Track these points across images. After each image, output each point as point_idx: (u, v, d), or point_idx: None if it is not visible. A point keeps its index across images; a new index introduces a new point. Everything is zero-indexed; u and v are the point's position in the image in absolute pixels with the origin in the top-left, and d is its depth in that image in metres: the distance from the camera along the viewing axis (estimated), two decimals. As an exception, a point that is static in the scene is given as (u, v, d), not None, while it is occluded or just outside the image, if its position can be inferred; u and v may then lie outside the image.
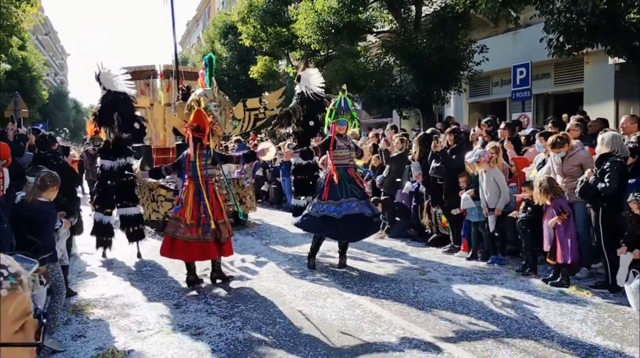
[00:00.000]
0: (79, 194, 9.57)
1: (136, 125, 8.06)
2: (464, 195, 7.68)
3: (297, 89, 8.94)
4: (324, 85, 8.91)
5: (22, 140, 7.23)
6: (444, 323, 5.17)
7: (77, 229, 6.96)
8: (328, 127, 7.43)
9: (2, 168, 5.19)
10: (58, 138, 11.27)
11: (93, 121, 8.11)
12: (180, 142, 11.27)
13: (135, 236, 8.16)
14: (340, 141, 7.18)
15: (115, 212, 8.21)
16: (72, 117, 60.26)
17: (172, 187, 10.07)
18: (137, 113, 8.33)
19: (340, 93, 7.37)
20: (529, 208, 6.78)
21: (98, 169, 8.12)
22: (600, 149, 6.14)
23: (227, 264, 7.73)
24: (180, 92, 12.42)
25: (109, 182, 7.91)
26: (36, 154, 6.97)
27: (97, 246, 8.10)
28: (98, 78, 7.74)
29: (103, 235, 7.99)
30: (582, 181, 6.09)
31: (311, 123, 8.83)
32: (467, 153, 7.83)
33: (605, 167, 5.93)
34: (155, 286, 6.76)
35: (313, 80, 8.80)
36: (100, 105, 7.86)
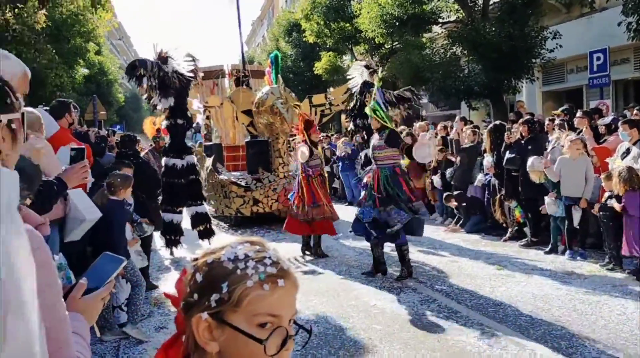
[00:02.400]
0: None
1: (188, 113, 8.02)
2: (548, 199, 7.34)
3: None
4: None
5: (102, 141, 7.55)
6: (525, 319, 5.00)
7: (157, 225, 7.20)
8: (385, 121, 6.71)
9: None
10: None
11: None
12: (249, 139, 11.50)
13: (205, 234, 8.20)
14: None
15: (185, 211, 8.20)
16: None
17: (243, 183, 10.29)
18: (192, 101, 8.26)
19: (376, 83, 6.91)
20: (609, 200, 6.43)
21: (162, 168, 8.05)
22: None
23: (298, 258, 7.81)
24: (234, 79, 12.42)
25: (177, 181, 7.85)
26: (118, 153, 7.25)
27: (167, 246, 8.11)
28: (164, 59, 7.36)
29: (172, 234, 8.01)
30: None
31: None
32: (529, 159, 7.47)
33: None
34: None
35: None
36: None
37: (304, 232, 8.02)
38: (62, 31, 17.08)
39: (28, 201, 2.48)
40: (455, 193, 9.40)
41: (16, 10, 15.39)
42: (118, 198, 5.10)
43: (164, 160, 8.00)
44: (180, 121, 7.70)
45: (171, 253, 8.14)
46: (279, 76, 11.28)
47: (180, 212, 8.03)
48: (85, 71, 22.42)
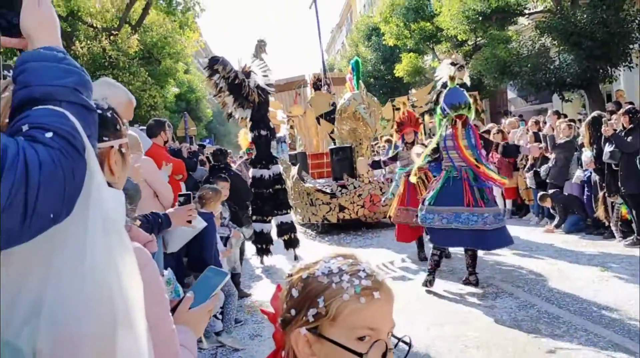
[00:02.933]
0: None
1: (270, 124, 8.22)
2: None
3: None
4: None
5: (194, 156, 7.89)
6: (634, 324, 4.63)
7: (248, 234, 7.41)
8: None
9: (179, 183, 5.68)
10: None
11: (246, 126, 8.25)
12: (333, 146, 11.57)
13: (290, 243, 8.33)
14: None
15: (273, 220, 8.38)
16: (234, 132, 65.02)
17: (328, 191, 10.35)
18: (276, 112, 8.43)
19: (449, 83, 6.35)
20: None
21: (250, 179, 8.31)
22: None
23: (387, 263, 7.72)
24: (313, 84, 12.53)
25: (265, 191, 8.08)
26: (210, 167, 7.55)
27: (258, 254, 8.35)
28: (247, 73, 7.55)
29: (263, 243, 8.25)
30: None
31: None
32: None
33: None
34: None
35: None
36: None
37: (416, 237, 7.73)
38: (154, 54, 18.09)
39: (138, 222, 2.64)
40: (550, 191, 8.94)
41: (111, 37, 16.48)
42: (207, 210, 5.28)
43: (251, 171, 8.26)
44: (263, 133, 7.95)
45: (261, 262, 8.36)
46: (360, 81, 11.29)
47: (270, 221, 8.24)
48: (176, 90, 23.56)
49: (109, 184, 1.22)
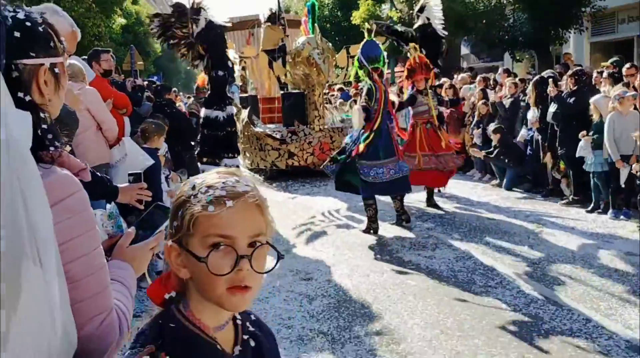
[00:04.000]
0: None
1: (229, 63, 7.89)
2: (582, 142, 7.10)
3: (418, 21, 8.21)
4: (443, 24, 8.17)
5: (140, 91, 7.58)
6: (563, 279, 4.89)
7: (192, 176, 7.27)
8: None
9: (123, 117, 5.47)
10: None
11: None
12: (284, 92, 11.38)
13: None
14: None
15: (223, 163, 8.21)
16: (184, 69, 63.04)
17: (278, 136, 10.25)
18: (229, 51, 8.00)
19: (366, 35, 6.70)
20: None
21: (201, 120, 7.99)
22: None
23: (332, 212, 7.80)
24: (268, 18, 11.93)
25: (219, 133, 7.79)
26: (154, 103, 7.27)
27: None
28: (197, 9, 7.29)
29: None
30: None
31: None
32: (595, 96, 7.16)
33: None
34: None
35: (437, 14, 8.00)
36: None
37: (416, 182, 7.53)
38: (99, -21, 17.04)
39: (68, 148, 2.46)
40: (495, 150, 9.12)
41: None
42: (151, 145, 5.14)
43: (203, 111, 7.91)
44: (220, 73, 7.56)
45: None
46: (316, 25, 11.02)
47: (219, 164, 8.04)
48: (123, 21, 22.45)
49: (39, 106, 1.13)
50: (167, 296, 1.07)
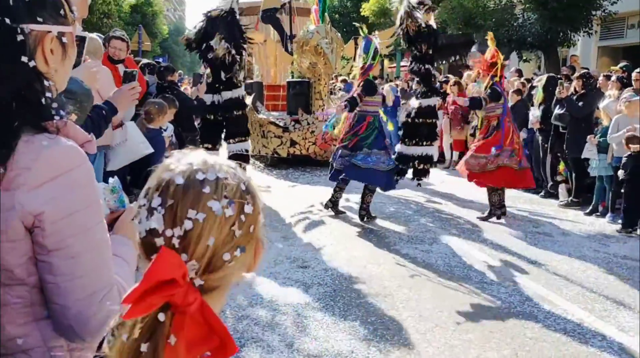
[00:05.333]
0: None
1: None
2: (588, 144, 7.10)
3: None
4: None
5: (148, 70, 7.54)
6: (559, 279, 4.91)
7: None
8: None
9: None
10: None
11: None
12: (291, 79, 11.34)
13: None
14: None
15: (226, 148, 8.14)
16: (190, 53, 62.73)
17: (281, 124, 10.23)
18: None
19: (361, 32, 6.96)
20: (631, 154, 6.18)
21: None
22: None
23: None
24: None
25: (212, 117, 7.65)
26: (157, 84, 7.24)
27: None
28: None
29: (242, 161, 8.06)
30: None
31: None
32: (601, 101, 7.16)
33: None
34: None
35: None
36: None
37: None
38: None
39: (74, 117, 2.45)
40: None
41: None
42: (155, 126, 5.15)
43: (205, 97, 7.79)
44: (234, 53, 7.45)
45: None
46: (326, 14, 10.99)
47: (245, 140, 7.93)
48: (131, 0, 22.33)
49: (43, 75, 1.10)
50: None
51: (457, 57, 7.60)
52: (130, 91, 3.09)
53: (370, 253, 5.61)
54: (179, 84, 10.64)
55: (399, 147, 7.87)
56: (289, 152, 10.27)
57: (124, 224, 1.42)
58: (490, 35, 7.09)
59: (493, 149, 6.74)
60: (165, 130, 5.72)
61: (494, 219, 6.90)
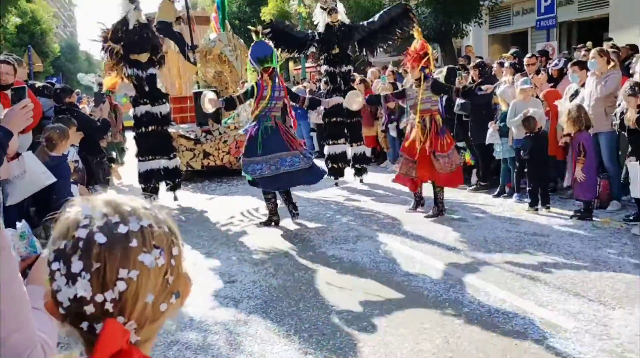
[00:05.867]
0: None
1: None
2: (490, 130, 7.48)
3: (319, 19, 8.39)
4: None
5: (39, 94, 7.10)
6: (477, 263, 5.13)
7: (99, 180, 6.92)
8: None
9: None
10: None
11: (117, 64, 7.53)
12: (197, 90, 11.10)
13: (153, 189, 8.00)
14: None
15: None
16: (85, 70, 60.12)
17: (192, 136, 10.00)
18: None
19: (254, 37, 6.67)
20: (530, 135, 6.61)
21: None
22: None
23: (252, 211, 7.72)
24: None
25: (151, 128, 7.66)
26: (55, 108, 6.85)
27: (171, 190, 8.15)
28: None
29: (174, 178, 8.09)
30: (621, 112, 5.79)
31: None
32: (501, 86, 7.55)
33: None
34: (184, 235, 6.78)
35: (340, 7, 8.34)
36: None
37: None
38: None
39: None
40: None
41: None
42: (58, 153, 4.86)
43: (133, 110, 7.65)
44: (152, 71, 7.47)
45: (175, 198, 8.21)
46: (226, 21, 10.86)
47: (174, 157, 8.09)
48: (17, 20, 21.02)
49: None
50: None
51: (401, 29, 7.94)
52: (22, 109, 2.84)
53: (296, 258, 5.59)
54: (78, 103, 10.16)
55: (326, 148, 8.02)
56: (202, 164, 10.06)
57: (39, 272, 1.32)
58: (417, 28, 7.17)
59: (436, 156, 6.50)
60: (67, 155, 5.41)
61: (420, 209, 7.08)
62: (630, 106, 5.59)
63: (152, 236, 0.84)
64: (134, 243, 0.80)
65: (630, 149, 5.78)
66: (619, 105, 5.94)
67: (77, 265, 0.78)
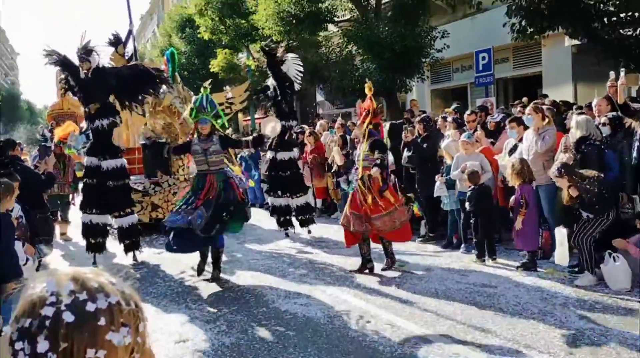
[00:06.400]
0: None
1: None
2: (437, 183, 7.72)
3: (283, 68, 8.60)
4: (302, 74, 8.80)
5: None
6: (430, 315, 5.19)
7: (46, 236, 6.67)
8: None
9: None
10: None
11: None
12: (145, 142, 10.98)
13: (95, 247, 7.73)
14: (200, 142, 6.63)
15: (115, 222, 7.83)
16: (27, 119, 58.35)
17: (140, 188, 9.83)
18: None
19: (202, 90, 6.86)
20: (474, 188, 6.88)
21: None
22: (575, 133, 6.25)
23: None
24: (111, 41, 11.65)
25: (110, 183, 7.44)
26: (-2, 161, 6.63)
27: (128, 251, 7.87)
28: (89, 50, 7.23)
29: (133, 237, 7.81)
30: (560, 164, 6.08)
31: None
32: (444, 140, 7.86)
33: (584, 152, 6.07)
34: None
35: (297, 66, 8.69)
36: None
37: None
38: None
39: None
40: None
41: None
42: (2, 210, 4.67)
43: (86, 160, 7.44)
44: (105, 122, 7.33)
45: (134, 258, 7.99)
46: (176, 73, 10.89)
47: (132, 213, 7.89)
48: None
49: None
50: None
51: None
52: None
53: (249, 315, 5.50)
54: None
55: (269, 200, 7.99)
56: (151, 217, 9.85)
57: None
58: (368, 84, 7.21)
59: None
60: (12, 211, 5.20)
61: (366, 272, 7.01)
62: (561, 186, 5.89)
63: (120, 313, 0.83)
64: (102, 321, 0.79)
65: (560, 215, 6.12)
66: (557, 160, 6.30)
67: (43, 345, 0.76)
